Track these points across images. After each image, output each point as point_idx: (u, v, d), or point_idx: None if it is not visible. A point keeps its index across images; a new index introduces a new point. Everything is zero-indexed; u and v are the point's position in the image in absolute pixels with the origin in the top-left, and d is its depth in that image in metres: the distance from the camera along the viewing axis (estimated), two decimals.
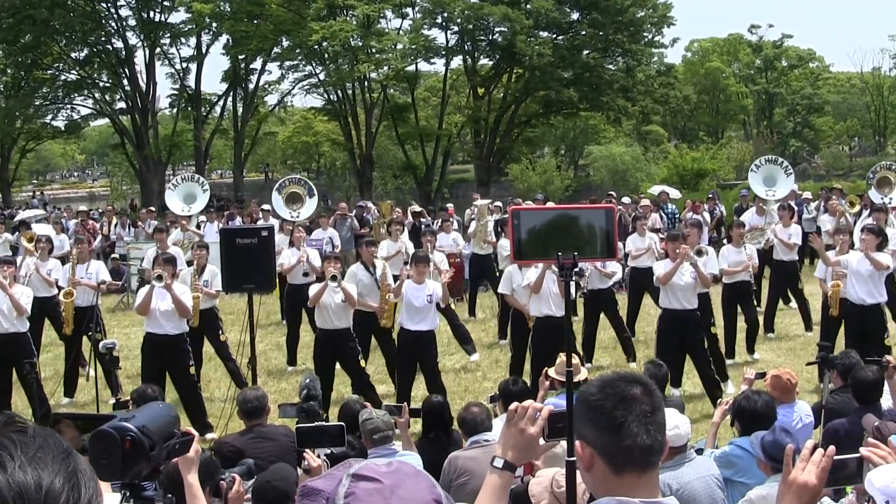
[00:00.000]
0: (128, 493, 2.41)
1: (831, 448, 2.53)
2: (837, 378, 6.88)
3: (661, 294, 10.20)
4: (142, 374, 9.70)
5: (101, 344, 9.02)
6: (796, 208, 15.99)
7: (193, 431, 2.86)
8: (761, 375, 6.92)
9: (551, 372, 7.05)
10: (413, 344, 9.72)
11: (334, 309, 9.86)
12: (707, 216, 18.28)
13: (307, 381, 6.47)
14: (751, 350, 11.96)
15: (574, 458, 2.36)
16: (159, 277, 9.21)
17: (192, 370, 9.65)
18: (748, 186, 17.82)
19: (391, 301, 10.84)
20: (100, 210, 27.81)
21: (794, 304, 13.67)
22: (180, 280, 10.32)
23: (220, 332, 10.91)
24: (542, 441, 2.51)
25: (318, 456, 4.61)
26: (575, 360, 7.06)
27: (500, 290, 10.96)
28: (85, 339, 11.15)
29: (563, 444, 5.59)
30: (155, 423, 2.36)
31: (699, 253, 10.00)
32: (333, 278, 9.71)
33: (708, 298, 10.68)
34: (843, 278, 10.49)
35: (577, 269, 3.23)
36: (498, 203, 19.48)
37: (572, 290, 9.51)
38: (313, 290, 10.12)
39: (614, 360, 11.99)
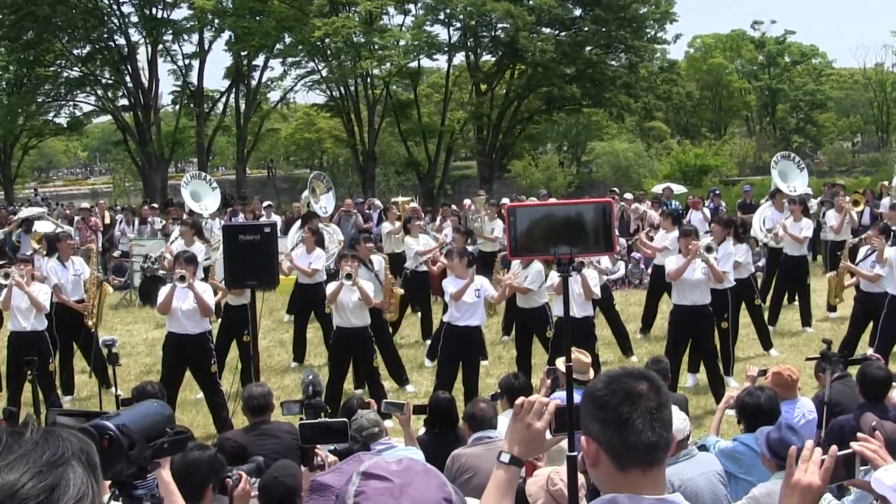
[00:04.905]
0: (117, 492, 2.40)
1: (833, 448, 2.52)
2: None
3: (673, 290, 10.21)
4: (162, 372, 9.72)
5: (101, 340, 9.01)
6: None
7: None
8: (763, 372, 6.91)
9: (559, 363, 7.04)
10: (459, 340, 9.58)
11: (351, 308, 9.85)
12: (707, 212, 18.21)
13: (310, 377, 6.45)
14: (767, 347, 11.97)
15: (574, 454, 2.34)
16: (182, 278, 9.15)
17: (214, 369, 9.61)
18: (752, 183, 17.84)
19: (397, 293, 10.86)
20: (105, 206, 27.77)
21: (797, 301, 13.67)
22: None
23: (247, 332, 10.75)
24: (548, 435, 2.50)
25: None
26: (588, 358, 7.09)
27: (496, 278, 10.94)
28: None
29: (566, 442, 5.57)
30: (139, 421, 2.34)
31: (709, 249, 10.00)
32: (348, 276, 9.69)
33: (725, 294, 10.69)
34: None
35: (574, 265, 3.21)
36: (492, 200, 19.44)
37: (571, 286, 9.54)
38: (329, 288, 10.11)
39: (618, 357, 11.99)
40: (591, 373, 6.99)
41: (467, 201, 21.04)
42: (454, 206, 21.42)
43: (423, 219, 19.18)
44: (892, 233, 11.69)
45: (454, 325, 9.56)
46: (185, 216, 16.24)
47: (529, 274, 10.41)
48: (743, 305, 11.97)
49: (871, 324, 10.79)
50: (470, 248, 15.59)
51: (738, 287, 11.79)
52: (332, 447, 4.78)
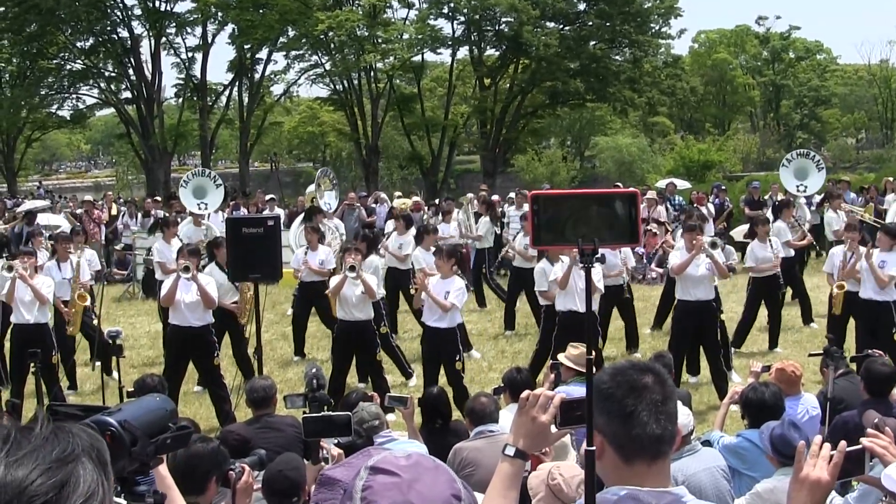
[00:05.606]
0: (118, 488, 2.39)
1: (842, 443, 2.51)
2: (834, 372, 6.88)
3: (677, 285, 10.20)
4: (165, 365, 9.74)
5: (106, 332, 9.03)
6: (804, 201, 15.83)
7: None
8: (766, 368, 6.90)
9: (561, 357, 7.04)
10: (430, 338, 9.53)
11: (354, 301, 9.83)
12: (711, 208, 18.15)
13: (313, 370, 6.44)
14: (773, 345, 11.97)
15: (593, 448, 2.33)
16: (186, 269, 9.15)
17: (217, 362, 9.61)
18: (756, 178, 17.64)
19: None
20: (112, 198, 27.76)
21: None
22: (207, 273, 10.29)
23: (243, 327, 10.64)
24: (553, 429, 2.49)
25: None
26: None
27: (537, 289, 10.79)
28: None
29: (569, 437, 5.55)
30: (141, 417, 2.32)
31: (713, 245, 10.02)
32: (352, 269, 9.67)
33: (715, 288, 10.66)
34: (847, 281, 10.51)
35: (597, 256, 3.12)
36: (496, 196, 19.39)
37: (575, 281, 9.47)
38: (333, 281, 10.08)
39: (621, 352, 11.99)
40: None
41: (470, 195, 21.02)
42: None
43: (426, 213, 19.24)
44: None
45: (426, 323, 9.56)
46: (165, 214, 16.13)
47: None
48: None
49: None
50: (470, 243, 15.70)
51: (764, 283, 11.77)
52: (336, 441, 4.78)
